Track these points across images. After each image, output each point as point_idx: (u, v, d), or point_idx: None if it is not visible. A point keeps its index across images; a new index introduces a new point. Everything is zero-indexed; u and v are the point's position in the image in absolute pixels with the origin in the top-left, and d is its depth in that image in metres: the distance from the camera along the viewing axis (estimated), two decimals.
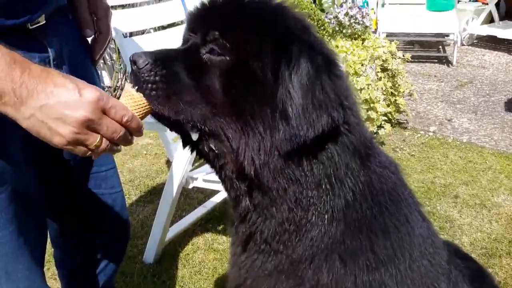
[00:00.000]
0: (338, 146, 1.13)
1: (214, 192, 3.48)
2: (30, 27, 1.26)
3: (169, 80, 1.09)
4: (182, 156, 2.59)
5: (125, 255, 2.00)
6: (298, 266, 1.18)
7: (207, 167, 3.03)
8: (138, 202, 3.71)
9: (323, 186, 1.13)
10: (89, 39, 1.62)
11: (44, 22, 1.29)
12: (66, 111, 0.99)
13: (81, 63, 1.51)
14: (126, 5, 3.02)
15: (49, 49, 1.34)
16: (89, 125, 1.01)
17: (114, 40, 2.63)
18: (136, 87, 1.10)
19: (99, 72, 6.25)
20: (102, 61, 6.54)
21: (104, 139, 1.05)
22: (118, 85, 6.31)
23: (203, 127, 1.10)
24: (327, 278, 1.15)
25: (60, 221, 1.79)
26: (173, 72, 1.10)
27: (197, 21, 1.19)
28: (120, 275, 2.79)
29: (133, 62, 1.09)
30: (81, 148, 1.05)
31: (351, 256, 1.16)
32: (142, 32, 2.85)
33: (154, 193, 3.74)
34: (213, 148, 1.13)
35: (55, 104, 0.99)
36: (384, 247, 1.17)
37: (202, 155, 1.21)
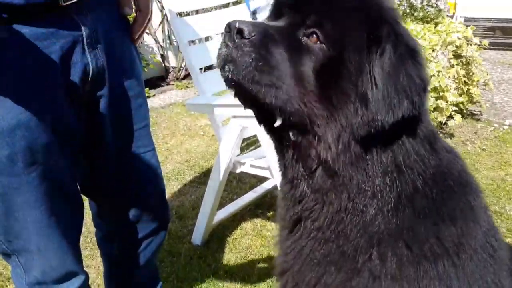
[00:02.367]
0: (409, 134, 1.12)
1: (267, 178, 3.43)
2: (63, 4, 1.24)
3: (267, 60, 1.05)
4: (229, 140, 2.54)
5: (165, 236, 1.98)
6: (354, 256, 1.15)
7: (255, 152, 2.99)
8: (191, 183, 3.73)
9: (391, 174, 1.11)
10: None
11: None
12: None
13: (118, 43, 1.48)
14: None
15: (82, 27, 1.31)
16: None
17: None
18: (234, 57, 1.04)
19: (165, 52, 6.41)
20: (168, 41, 6.66)
21: None
22: (182, 65, 6.40)
23: (291, 113, 1.07)
24: (391, 265, 1.13)
25: (97, 201, 1.80)
26: (272, 52, 1.07)
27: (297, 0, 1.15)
28: (168, 254, 2.82)
29: (238, 29, 1.03)
30: None
31: (417, 243, 1.13)
32: (196, 11, 2.81)
33: (208, 175, 3.69)
34: (295, 134, 1.12)
35: None
36: (449, 234, 1.14)
37: (281, 140, 1.18)
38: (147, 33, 6.27)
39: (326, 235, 1.17)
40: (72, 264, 1.50)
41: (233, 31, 1.04)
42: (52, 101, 1.35)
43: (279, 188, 2.42)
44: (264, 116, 1.14)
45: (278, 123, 1.10)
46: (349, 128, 1.06)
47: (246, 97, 1.10)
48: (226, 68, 1.05)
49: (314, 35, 1.08)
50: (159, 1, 5.87)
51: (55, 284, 1.51)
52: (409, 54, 1.07)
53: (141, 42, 5.79)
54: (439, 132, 3.42)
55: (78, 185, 1.59)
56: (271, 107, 1.06)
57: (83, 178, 1.64)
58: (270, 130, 1.17)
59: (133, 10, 1.54)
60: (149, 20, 1.58)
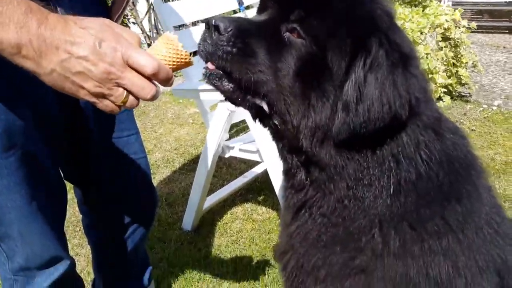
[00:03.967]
0: (405, 130, 1.10)
1: (256, 163, 3.41)
2: None
3: (245, 54, 1.07)
4: (217, 125, 2.52)
5: (153, 220, 1.96)
6: (358, 236, 1.16)
7: (243, 136, 2.97)
8: (181, 170, 3.71)
9: (388, 165, 1.11)
10: None
11: None
12: (87, 65, 0.95)
13: None
14: None
15: (58, 8, 1.27)
16: (112, 79, 0.97)
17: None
18: (211, 52, 1.06)
19: (151, 42, 6.33)
20: (155, 31, 6.60)
21: (130, 96, 1.00)
22: None
23: (268, 97, 1.09)
24: (394, 244, 1.13)
25: (82, 188, 1.77)
26: (251, 46, 1.08)
27: None
28: (158, 241, 2.80)
29: (215, 26, 1.06)
30: (107, 102, 1.01)
31: (422, 223, 1.13)
32: None
33: (197, 162, 3.68)
34: (276, 122, 1.12)
35: (75, 59, 0.95)
36: (454, 213, 1.15)
37: (266, 126, 1.20)
38: (134, 23, 6.22)
39: (332, 220, 1.18)
40: (56, 249, 1.47)
41: (211, 28, 1.06)
42: (31, 84, 1.32)
43: (271, 173, 2.42)
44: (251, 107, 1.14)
45: (266, 107, 1.11)
46: (326, 128, 1.06)
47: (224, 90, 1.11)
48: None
49: (297, 30, 1.07)
50: None
51: (39, 270, 1.47)
52: (401, 62, 1.04)
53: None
54: None
55: (60, 171, 1.56)
56: (248, 86, 1.06)
57: (65, 163, 1.61)
58: (256, 117, 1.18)
59: None
60: (127, 1, 1.55)
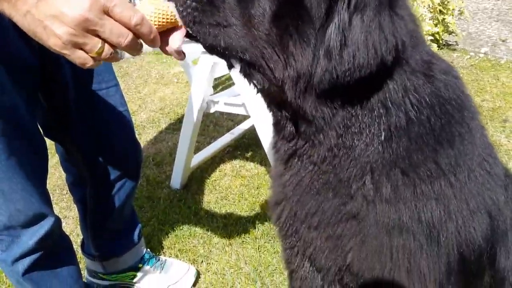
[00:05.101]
0: (392, 76, 1.05)
1: (243, 119, 3.36)
2: None
3: (213, 7, 0.99)
4: (201, 80, 2.45)
5: (139, 176, 1.92)
6: (348, 183, 1.15)
7: (229, 91, 2.91)
8: (167, 130, 3.65)
9: (376, 111, 1.06)
10: None
11: None
12: (63, 8, 0.88)
13: None
14: None
15: None
16: (88, 26, 0.89)
17: None
18: (175, 6, 0.98)
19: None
20: None
21: (106, 45, 0.93)
22: None
23: (244, 57, 1.02)
24: (386, 191, 1.11)
25: (63, 144, 1.72)
26: None
27: None
28: (147, 200, 2.78)
29: None
30: (80, 53, 0.93)
31: (414, 168, 1.11)
32: None
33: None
34: (258, 78, 1.06)
35: (52, 0, 0.88)
36: (447, 157, 1.12)
37: (249, 81, 1.13)
38: None
39: (323, 168, 1.16)
40: (40, 206, 1.44)
41: None
42: (5, 36, 1.24)
43: (258, 128, 2.37)
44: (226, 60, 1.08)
45: (237, 67, 1.05)
46: (308, 76, 1.00)
47: (197, 41, 1.03)
48: None
49: None
50: None
51: (24, 228, 1.45)
52: (388, 2, 0.97)
53: None
54: None
55: (39, 126, 1.50)
56: (221, 49, 1.00)
57: (43, 118, 1.55)
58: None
59: None
60: None
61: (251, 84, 1.11)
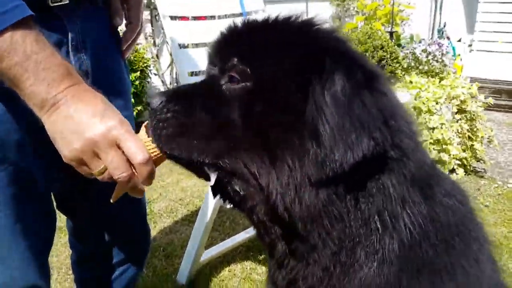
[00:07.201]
0: (391, 175, 0.96)
1: None
2: (51, 4, 1.21)
3: (181, 115, 1.01)
4: None
5: (144, 263, 1.87)
6: None
7: None
8: (183, 221, 3.61)
9: (373, 225, 0.97)
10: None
11: (67, 1, 1.23)
12: (82, 127, 1.00)
13: (106, 53, 1.42)
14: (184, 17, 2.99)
15: (69, 32, 1.27)
16: (95, 149, 1.00)
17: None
18: (151, 129, 1.04)
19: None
20: (175, 84, 6.71)
21: (108, 171, 1.03)
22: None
23: (222, 165, 0.97)
24: None
25: (72, 218, 1.70)
26: (186, 107, 1.02)
27: (216, 52, 1.10)
28: None
29: (147, 104, 1.06)
30: (85, 169, 1.05)
31: None
32: (196, 45, 2.80)
33: None
34: (238, 189, 1.00)
35: (77, 119, 1.00)
36: None
37: (228, 199, 1.09)
38: (155, 74, 6.35)
39: None
40: (35, 277, 1.39)
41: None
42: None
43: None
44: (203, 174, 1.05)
45: (213, 179, 1.02)
46: (300, 171, 0.92)
47: (175, 160, 1.04)
48: None
49: (233, 77, 1.01)
50: (168, 43, 5.97)
51: None
52: (366, 81, 0.92)
53: (148, 82, 5.84)
54: None
55: (53, 197, 1.50)
56: (196, 162, 0.99)
57: (59, 189, 1.56)
58: (214, 189, 1.08)
59: (123, 21, 1.51)
60: (139, 33, 1.55)
61: (232, 199, 1.05)
